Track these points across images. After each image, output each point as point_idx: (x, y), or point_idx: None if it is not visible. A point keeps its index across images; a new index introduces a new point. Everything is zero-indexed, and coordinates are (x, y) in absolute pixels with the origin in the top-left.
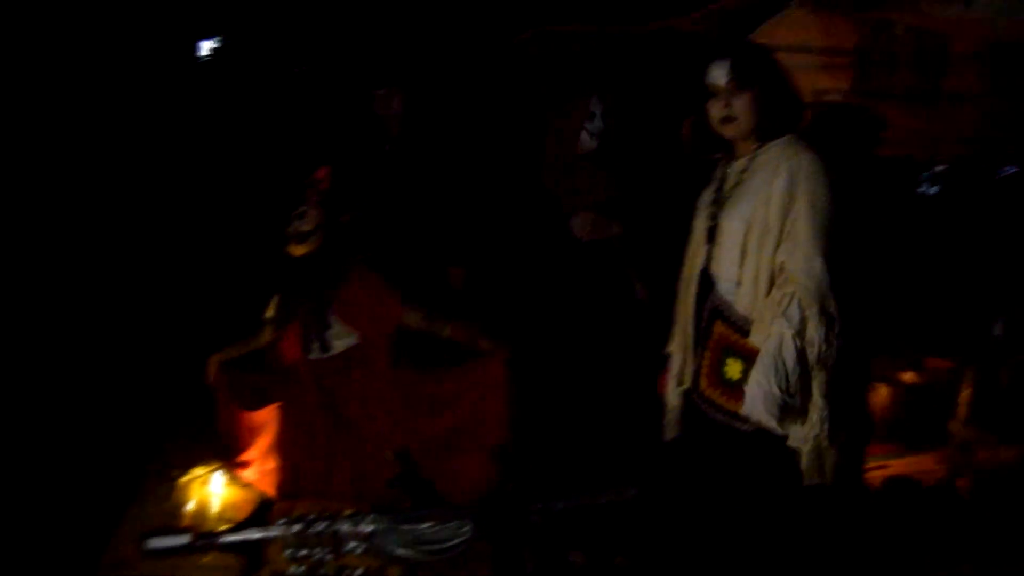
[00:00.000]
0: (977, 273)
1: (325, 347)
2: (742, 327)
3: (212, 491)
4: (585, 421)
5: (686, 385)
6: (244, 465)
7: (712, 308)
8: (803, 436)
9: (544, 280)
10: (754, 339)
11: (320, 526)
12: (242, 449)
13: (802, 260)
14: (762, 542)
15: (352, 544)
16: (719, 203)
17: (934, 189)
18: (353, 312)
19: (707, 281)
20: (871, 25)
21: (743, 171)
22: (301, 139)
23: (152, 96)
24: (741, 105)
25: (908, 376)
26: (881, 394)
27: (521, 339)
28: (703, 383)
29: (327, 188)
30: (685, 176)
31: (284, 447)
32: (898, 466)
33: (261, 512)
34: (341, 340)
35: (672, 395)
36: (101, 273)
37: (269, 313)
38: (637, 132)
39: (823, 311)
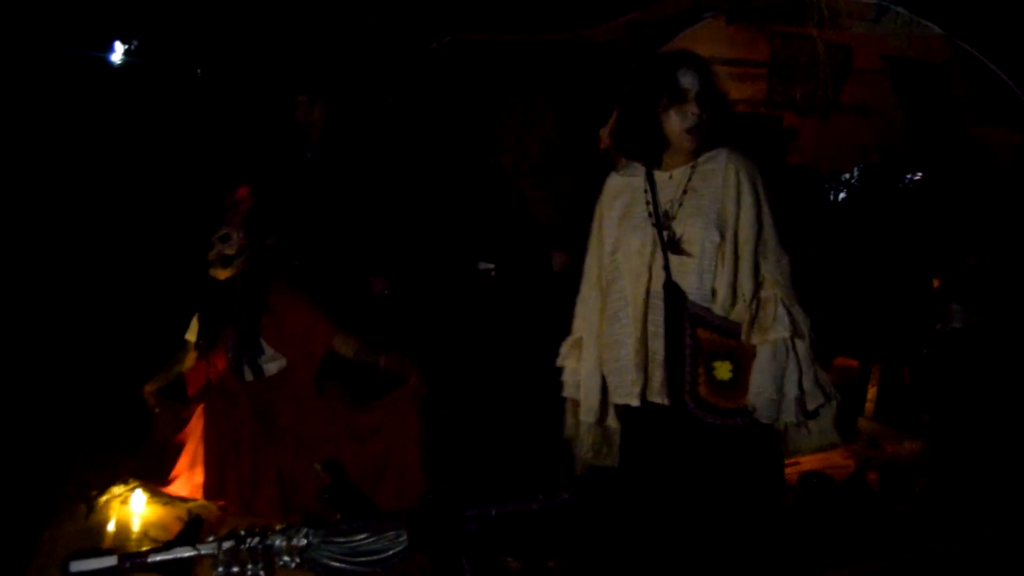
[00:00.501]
0: (881, 275)
1: (258, 372)
2: (726, 329)
3: (133, 510)
4: (512, 428)
5: (656, 399)
6: (171, 480)
7: (692, 317)
8: (795, 419)
9: (464, 291)
10: (747, 340)
11: (252, 541)
12: (172, 464)
13: (774, 261)
14: (700, 542)
15: (285, 559)
16: (666, 215)
17: (842, 195)
18: (282, 337)
19: (674, 293)
20: (782, 38)
21: (688, 180)
22: (219, 148)
23: (61, 102)
24: (707, 114)
25: None
26: None
27: (443, 351)
28: (703, 390)
29: (250, 208)
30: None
31: (211, 461)
32: (810, 462)
33: (190, 530)
34: (274, 363)
35: (591, 413)
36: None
37: (190, 335)
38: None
39: (798, 306)
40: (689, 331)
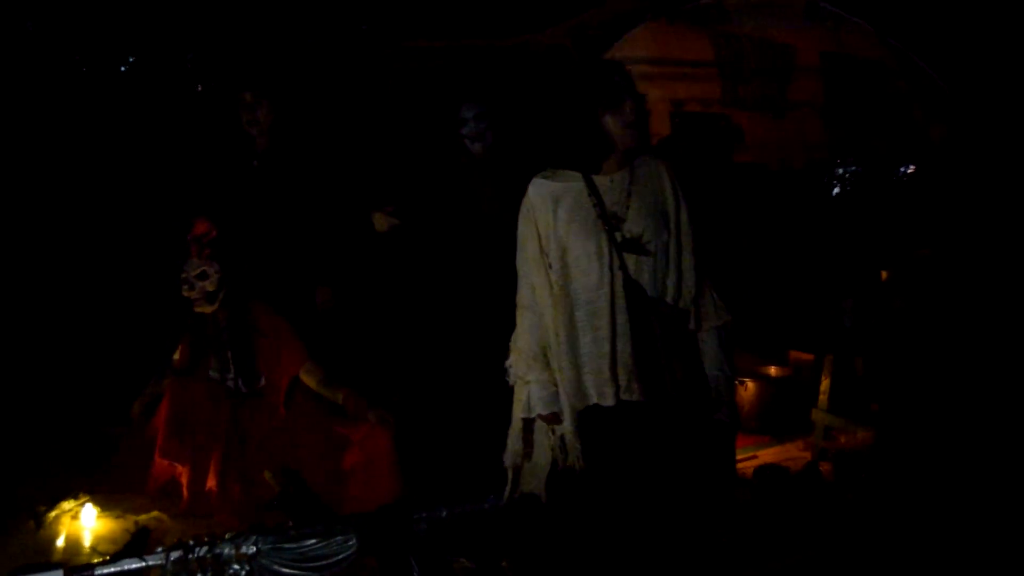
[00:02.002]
0: (829, 269)
1: (251, 388)
2: (679, 319)
3: (84, 524)
4: (468, 428)
5: (635, 397)
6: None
7: (658, 312)
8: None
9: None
10: (695, 327)
11: (200, 551)
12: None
13: (702, 256)
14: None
15: (235, 567)
16: (615, 217)
17: (835, 190)
18: (262, 356)
19: (636, 290)
20: (725, 38)
21: (629, 184)
22: (163, 155)
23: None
24: (642, 113)
25: (773, 370)
26: (749, 388)
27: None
28: (680, 376)
29: (213, 239)
30: None
31: (186, 460)
32: (767, 455)
33: (137, 541)
34: (261, 381)
35: (571, 419)
36: None
37: (176, 356)
38: (517, 140)
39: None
40: (659, 325)
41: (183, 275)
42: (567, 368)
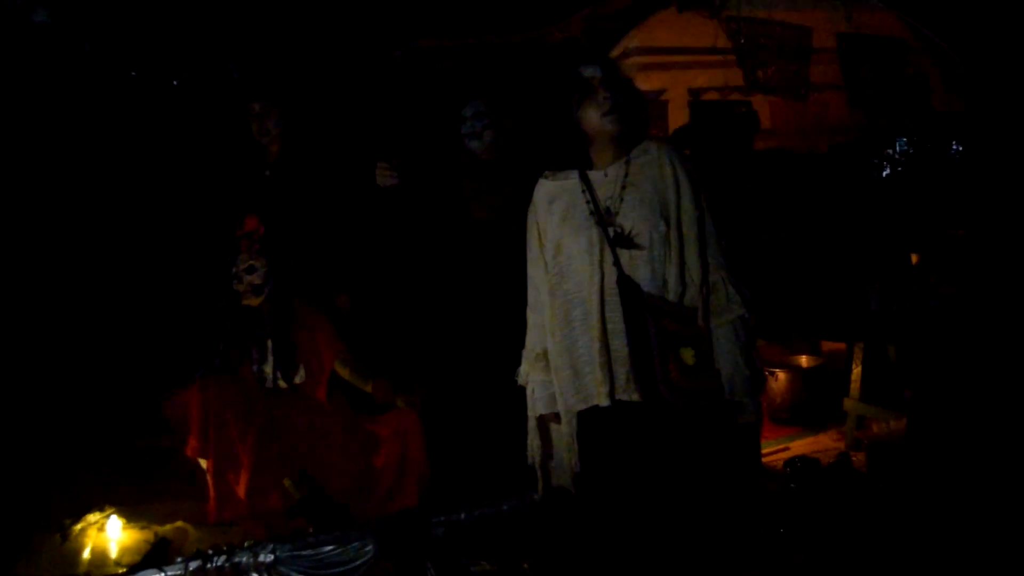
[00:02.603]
0: (857, 253)
1: (288, 381)
2: (683, 316)
3: (109, 536)
4: (489, 427)
5: (625, 397)
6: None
7: (652, 308)
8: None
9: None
10: (704, 323)
11: (219, 560)
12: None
13: (715, 246)
14: (676, 536)
15: (253, 575)
16: (608, 212)
17: (886, 171)
18: (302, 350)
19: (630, 287)
20: (735, 22)
21: (625, 175)
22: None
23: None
24: (620, 97)
25: (804, 360)
26: (780, 379)
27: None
28: (675, 377)
29: (263, 236)
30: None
31: (218, 465)
32: (799, 447)
33: (156, 552)
34: (299, 373)
35: (571, 420)
36: None
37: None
38: (527, 137)
39: (745, 285)
40: (653, 322)
41: (233, 269)
42: (563, 368)
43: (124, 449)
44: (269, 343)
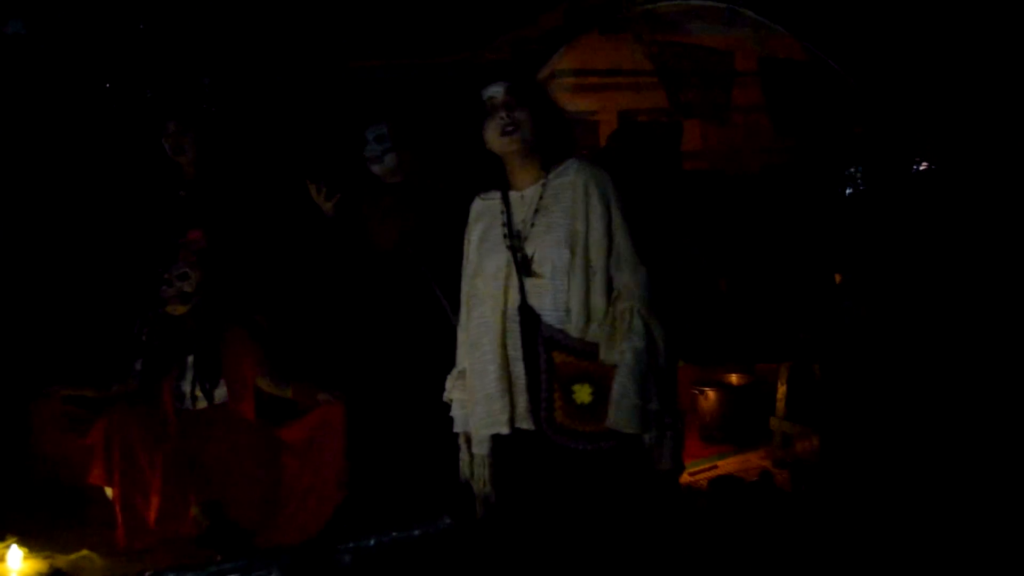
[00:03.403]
0: (787, 273)
1: (208, 398)
2: (582, 351)
3: (10, 567)
4: (402, 452)
5: (523, 425)
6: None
7: (547, 340)
8: (655, 436)
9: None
10: (605, 358)
11: None
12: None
13: (630, 273)
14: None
15: None
16: (518, 236)
17: (848, 191)
18: (230, 368)
19: (530, 315)
20: (659, 46)
21: (540, 198)
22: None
23: None
24: (522, 116)
25: (734, 378)
26: (710, 397)
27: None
28: (559, 415)
29: (202, 249)
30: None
31: (126, 492)
32: (727, 465)
33: None
34: (220, 391)
35: (481, 444)
36: None
37: (138, 366)
38: (437, 160)
39: (658, 318)
40: (544, 355)
41: (165, 275)
42: (476, 390)
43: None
44: (189, 359)
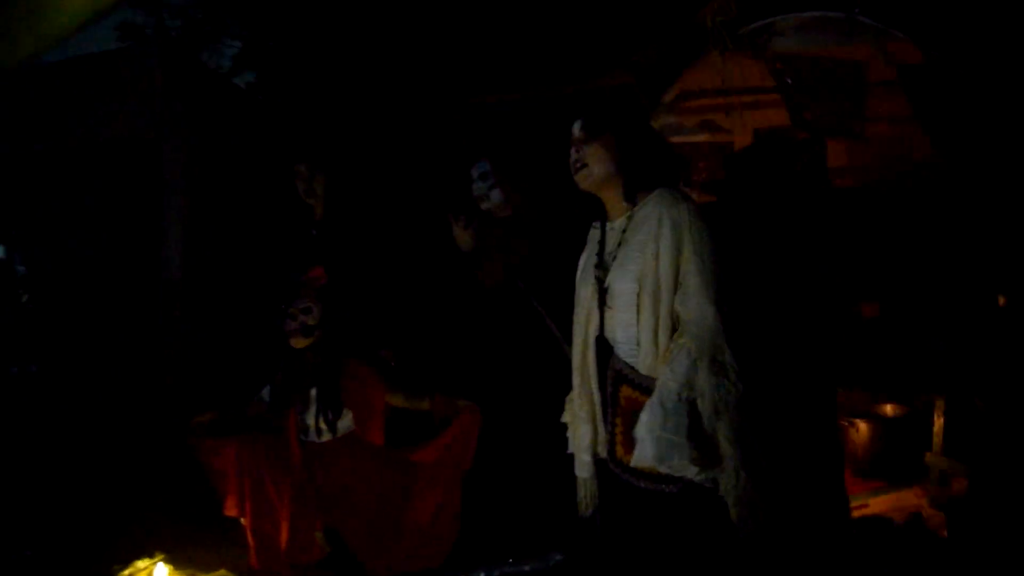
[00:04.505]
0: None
1: (332, 430)
2: (647, 387)
3: None
4: (519, 484)
5: (601, 455)
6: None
7: (615, 373)
8: (724, 486)
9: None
10: None
11: None
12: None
13: (695, 310)
14: None
15: None
16: (603, 267)
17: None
18: (354, 398)
19: (605, 347)
20: (782, 61)
21: (624, 231)
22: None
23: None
24: (590, 152)
25: (888, 409)
26: (861, 430)
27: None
28: (619, 451)
29: (323, 285)
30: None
31: (257, 521)
32: (878, 504)
33: None
34: (344, 422)
35: (584, 467)
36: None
37: (265, 392)
38: (545, 192)
39: (714, 360)
40: (611, 388)
41: (289, 309)
42: (576, 413)
43: (174, 494)
44: (312, 392)
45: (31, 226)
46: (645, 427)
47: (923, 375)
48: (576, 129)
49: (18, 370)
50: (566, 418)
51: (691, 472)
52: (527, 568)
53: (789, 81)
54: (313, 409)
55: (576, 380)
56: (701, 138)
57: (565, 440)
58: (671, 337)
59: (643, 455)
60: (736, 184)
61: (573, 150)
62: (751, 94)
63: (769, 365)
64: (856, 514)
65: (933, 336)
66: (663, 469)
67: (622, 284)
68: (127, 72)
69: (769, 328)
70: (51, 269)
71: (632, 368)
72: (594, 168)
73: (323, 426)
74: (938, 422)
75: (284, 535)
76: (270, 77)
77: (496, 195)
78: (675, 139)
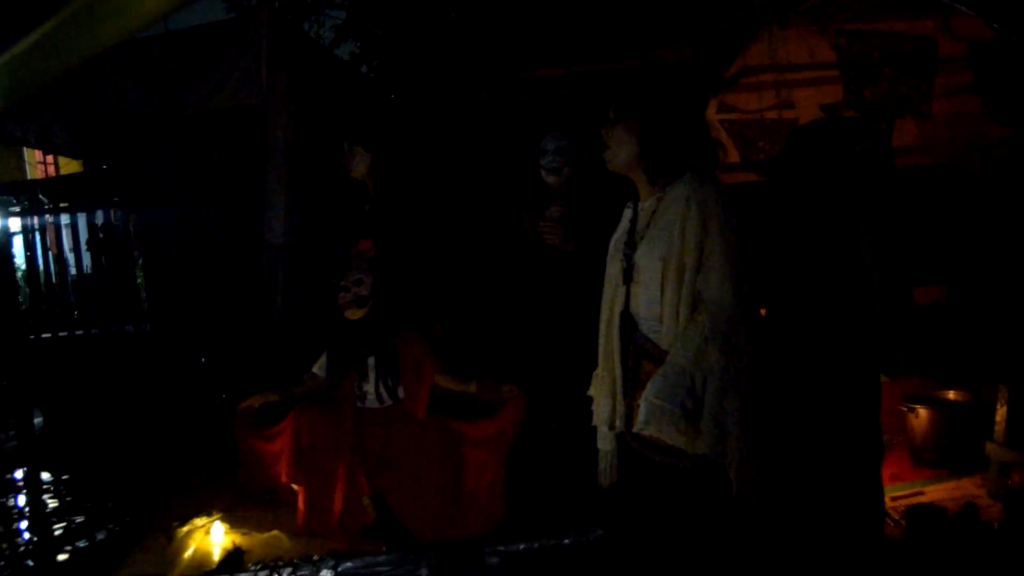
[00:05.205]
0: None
1: (393, 396)
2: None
3: (213, 540)
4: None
5: (619, 429)
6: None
7: (637, 348)
8: (727, 462)
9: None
10: None
11: (284, 572)
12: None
13: (714, 290)
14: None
15: None
16: (632, 244)
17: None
18: (408, 367)
19: (629, 322)
20: (847, 36)
21: (653, 211)
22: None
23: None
24: (615, 135)
25: (951, 395)
26: (921, 416)
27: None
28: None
29: (374, 256)
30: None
31: (312, 489)
32: (935, 492)
33: (230, 561)
34: (400, 390)
35: (605, 440)
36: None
37: (317, 368)
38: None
39: (728, 341)
40: (632, 363)
41: (342, 282)
42: (601, 387)
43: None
44: (371, 360)
45: (147, 192)
46: (645, 394)
47: (987, 362)
48: (610, 113)
49: (133, 328)
50: (592, 392)
51: (679, 441)
52: (567, 542)
53: (850, 57)
54: (372, 376)
55: (601, 354)
56: (765, 115)
57: None
58: (691, 315)
59: (639, 420)
60: (793, 161)
61: (603, 131)
62: (814, 70)
63: (804, 349)
64: (910, 502)
65: (1000, 322)
66: (648, 432)
67: (648, 261)
68: (235, 42)
69: (809, 313)
70: (165, 234)
71: (654, 344)
72: (616, 151)
73: (383, 391)
74: (1001, 411)
75: (338, 501)
76: (371, 49)
77: (568, 171)
78: (735, 116)
